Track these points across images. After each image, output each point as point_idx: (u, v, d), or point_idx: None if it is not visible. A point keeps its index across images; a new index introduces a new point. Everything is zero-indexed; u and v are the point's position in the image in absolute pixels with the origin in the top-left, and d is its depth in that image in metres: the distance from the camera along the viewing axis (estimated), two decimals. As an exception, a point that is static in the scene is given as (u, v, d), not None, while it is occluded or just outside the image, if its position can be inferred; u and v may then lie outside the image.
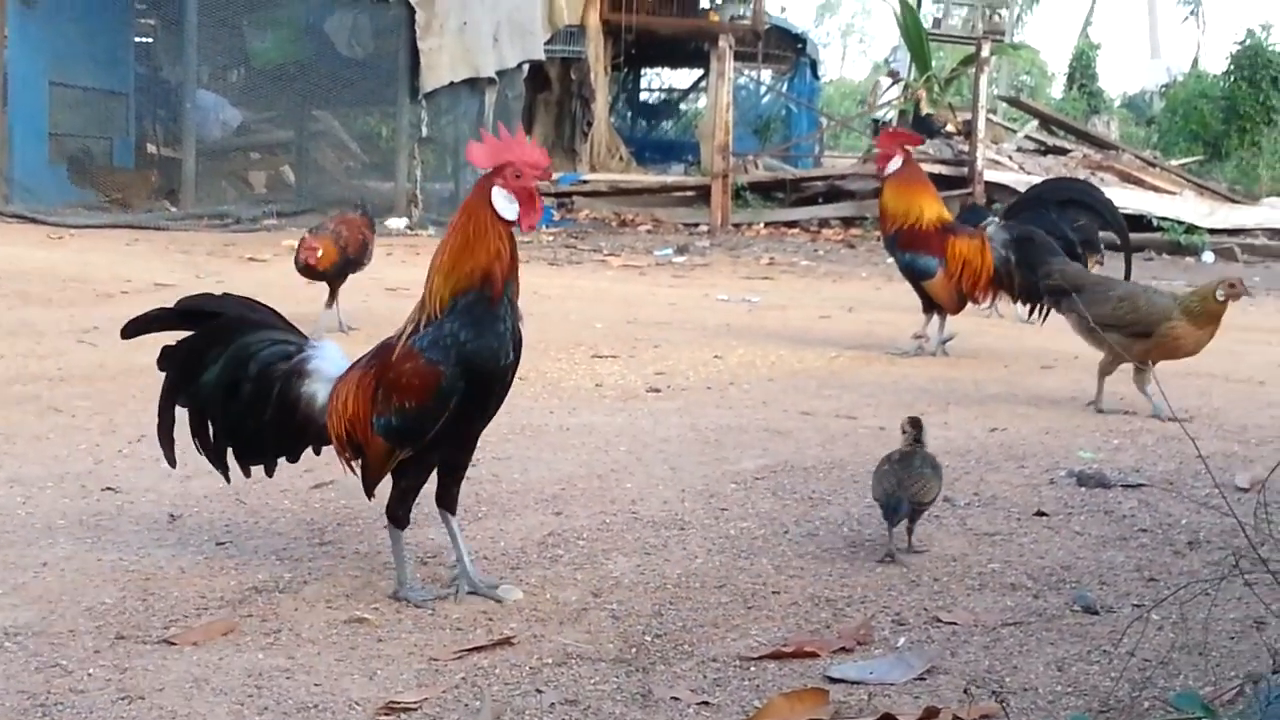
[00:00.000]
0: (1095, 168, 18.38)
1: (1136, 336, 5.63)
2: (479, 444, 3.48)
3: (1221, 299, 5.52)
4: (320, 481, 4.32)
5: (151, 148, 16.56)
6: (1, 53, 14.14)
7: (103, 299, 8.70)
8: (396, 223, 14.91)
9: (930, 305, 7.63)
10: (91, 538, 3.71)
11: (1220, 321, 5.60)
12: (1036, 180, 16.90)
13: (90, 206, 14.74)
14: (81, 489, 4.16)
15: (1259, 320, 9.82)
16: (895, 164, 7.63)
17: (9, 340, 6.93)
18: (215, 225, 14.20)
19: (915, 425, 3.92)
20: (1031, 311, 7.36)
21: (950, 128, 19.32)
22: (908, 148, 7.81)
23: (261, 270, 11.00)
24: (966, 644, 3.08)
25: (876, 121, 21.35)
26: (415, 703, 2.68)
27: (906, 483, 3.70)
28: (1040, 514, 4.18)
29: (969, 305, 7.63)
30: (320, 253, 7.38)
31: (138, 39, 16.89)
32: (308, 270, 7.47)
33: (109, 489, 4.15)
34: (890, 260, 8.15)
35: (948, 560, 3.71)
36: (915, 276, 7.59)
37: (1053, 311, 7.28)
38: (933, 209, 7.58)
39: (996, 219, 7.72)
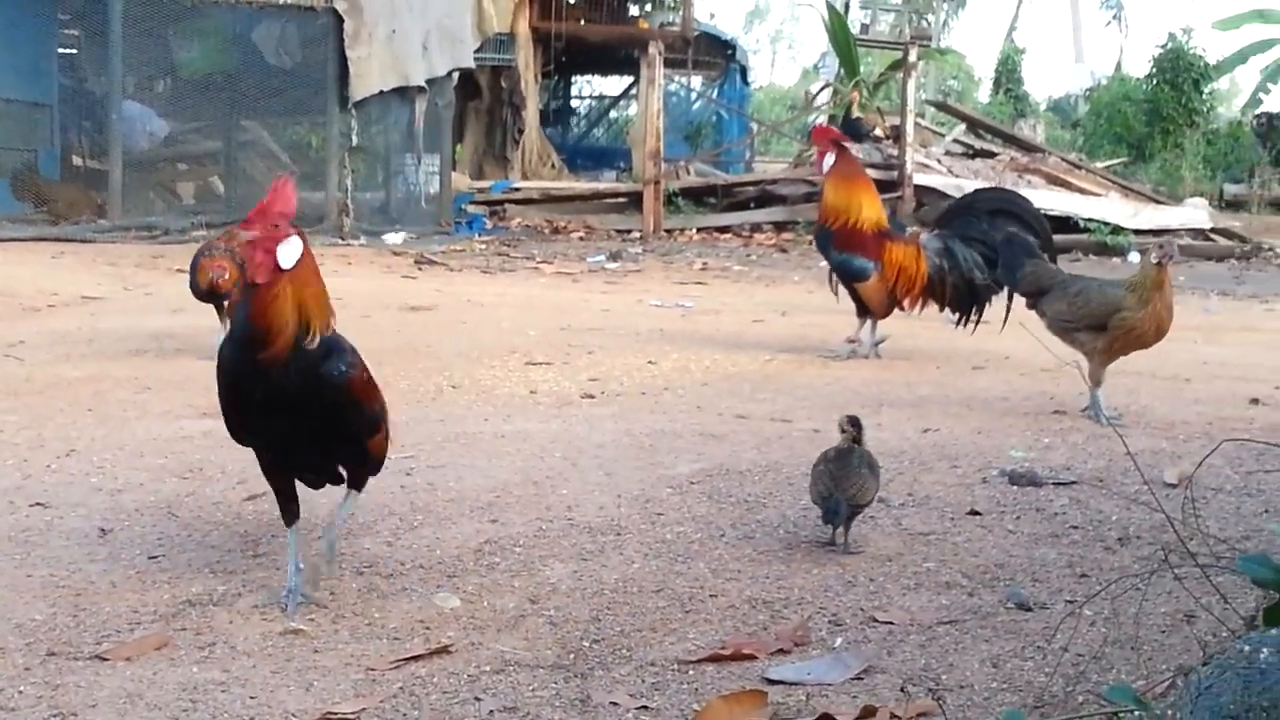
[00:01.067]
0: (1022, 170, 18.59)
1: (1096, 330, 5.66)
2: (415, 451, 3.46)
3: (1155, 261, 5.57)
4: (253, 494, 4.29)
5: (77, 160, 16.36)
6: (-79, 65, 13.93)
7: (29, 312, 8.59)
8: (394, 238, 14.99)
9: (863, 308, 7.67)
10: (20, 554, 3.65)
11: (1166, 290, 5.57)
12: (966, 183, 17.10)
13: (14, 219, 14.53)
14: (10, 504, 4.10)
15: (1185, 319, 9.93)
16: (830, 159, 7.64)
17: (-67, 355, 6.83)
18: (143, 237, 14.05)
19: (855, 425, 3.95)
20: (960, 320, 7.45)
21: (879, 132, 19.46)
22: (841, 143, 7.83)
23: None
24: (903, 643, 3.10)
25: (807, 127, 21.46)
26: (353, 713, 2.66)
27: (843, 484, 3.72)
28: (974, 513, 4.22)
29: (896, 311, 7.68)
30: (227, 274, 6.67)
31: (61, 50, 16.67)
32: (212, 294, 6.74)
33: (38, 504, 4.10)
34: (824, 264, 8.19)
35: (883, 560, 3.73)
36: (848, 277, 7.63)
37: (979, 318, 7.41)
38: (873, 210, 7.61)
39: (924, 229, 7.77)
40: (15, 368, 6.50)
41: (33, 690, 2.74)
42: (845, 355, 7.61)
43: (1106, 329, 5.63)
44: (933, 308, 7.68)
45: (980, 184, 17.24)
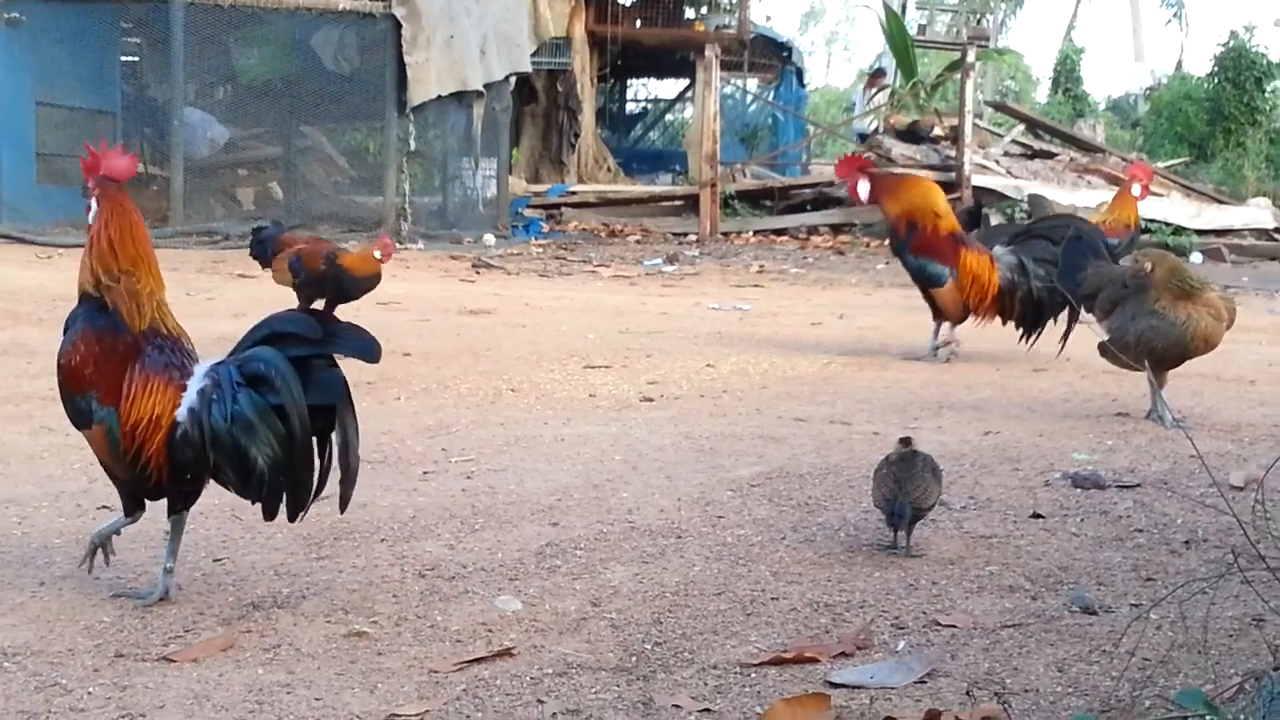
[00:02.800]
0: (1082, 171, 18.45)
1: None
2: (476, 455, 3.47)
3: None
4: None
5: (139, 166, 16.53)
6: (-13, 74, 14.13)
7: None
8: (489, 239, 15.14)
9: (938, 313, 7.66)
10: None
11: (1200, 300, 5.50)
12: (1025, 184, 16.99)
13: (79, 226, 14.66)
14: (77, 507, 4.15)
15: (1249, 320, 9.82)
16: (864, 186, 7.69)
17: (0, 360, 6.92)
18: (204, 242, 14.18)
19: (906, 444, 3.90)
20: (1023, 336, 7.41)
21: (938, 131, 19.37)
22: (867, 169, 7.82)
23: (253, 286, 10.98)
24: (966, 646, 3.08)
25: (862, 135, 21.35)
26: (417, 715, 2.67)
27: (907, 486, 3.71)
28: (1036, 516, 4.19)
29: (969, 321, 7.65)
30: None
31: (124, 58, 16.85)
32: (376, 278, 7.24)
33: (104, 507, 4.14)
34: (881, 266, 8.18)
35: (945, 563, 3.71)
36: (924, 282, 7.63)
37: (1040, 333, 7.31)
38: (943, 208, 7.63)
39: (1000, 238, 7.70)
40: (80, 372, 6.57)
41: (101, 691, 2.77)
42: (944, 358, 7.59)
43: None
44: (996, 321, 7.60)
45: (1039, 185, 17.13)
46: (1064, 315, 7.04)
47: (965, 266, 7.47)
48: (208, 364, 3.30)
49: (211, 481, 3.36)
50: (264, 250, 7.61)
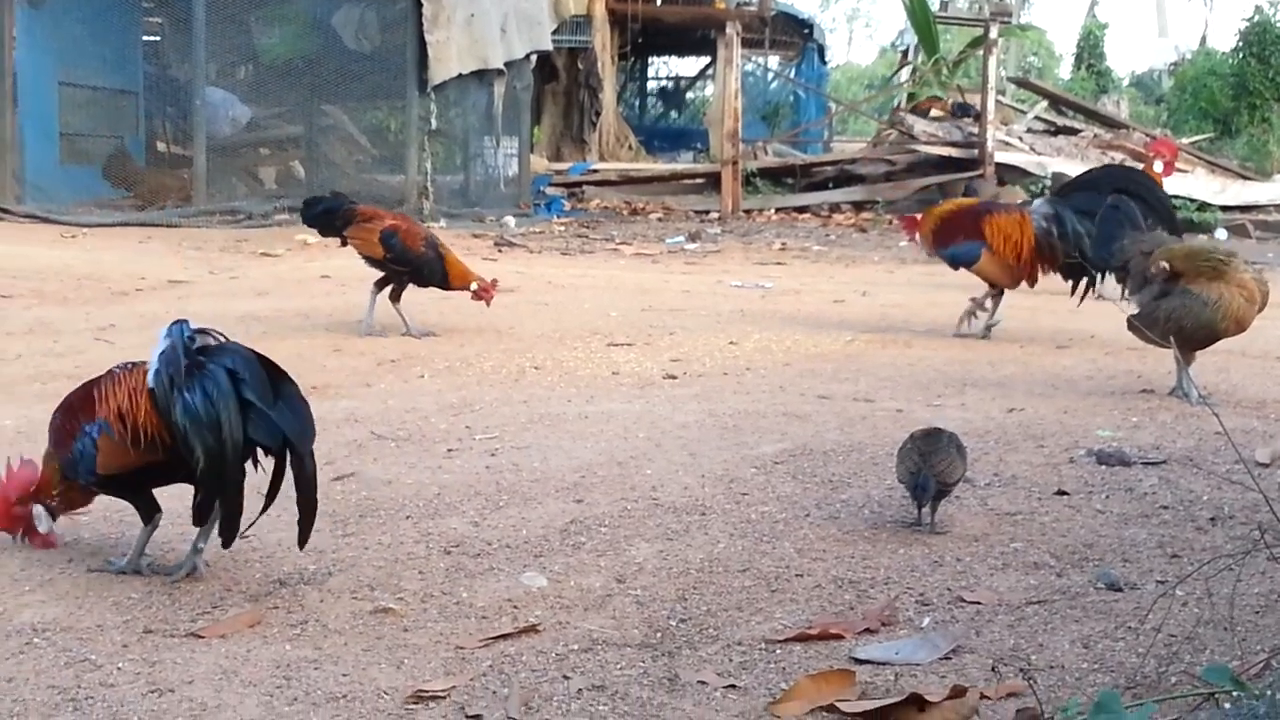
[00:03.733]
0: (1105, 147, 18.35)
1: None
2: (500, 432, 3.48)
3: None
4: (341, 474, 4.34)
5: (161, 145, 16.58)
6: (10, 54, 14.16)
7: (118, 296, 8.73)
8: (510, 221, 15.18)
9: (993, 284, 7.64)
10: (116, 534, 3.72)
11: (1233, 280, 5.49)
12: (1048, 160, 16.91)
13: (102, 205, 14.77)
14: (104, 485, 4.17)
15: (1273, 296, 9.79)
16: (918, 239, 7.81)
17: (27, 339, 6.96)
18: (227, 221, 14.23)
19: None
20: (1074, 288, 7.32)
21: (935, 112, 19.30)
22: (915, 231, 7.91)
23: (274, 264, 11.03)
24: (991, 623, 3.08)
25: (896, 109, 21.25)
26: (443, 691, 2.69)
27: (932, 460, 3.70)
28: (1061, 493, 4.18)
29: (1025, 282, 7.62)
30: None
31: (146, 37, 16.91)
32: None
33: (131, 485, 4.16)
34: (904, 243, 8.18)
35: (970, 540, 3.71)
36: (963, 265, 7.63)
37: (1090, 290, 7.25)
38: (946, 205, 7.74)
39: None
40: (106, 350, 6.60)
41: (131, 666, 2.80)
42: (980, 333, 7.60)
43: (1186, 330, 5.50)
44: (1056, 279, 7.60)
45: (1063, 161, 17.05)
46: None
47: (993, 231, 7.43)
48: (162, 331, 3.40)
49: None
50: (329, 220, 7.61)
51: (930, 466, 3.70)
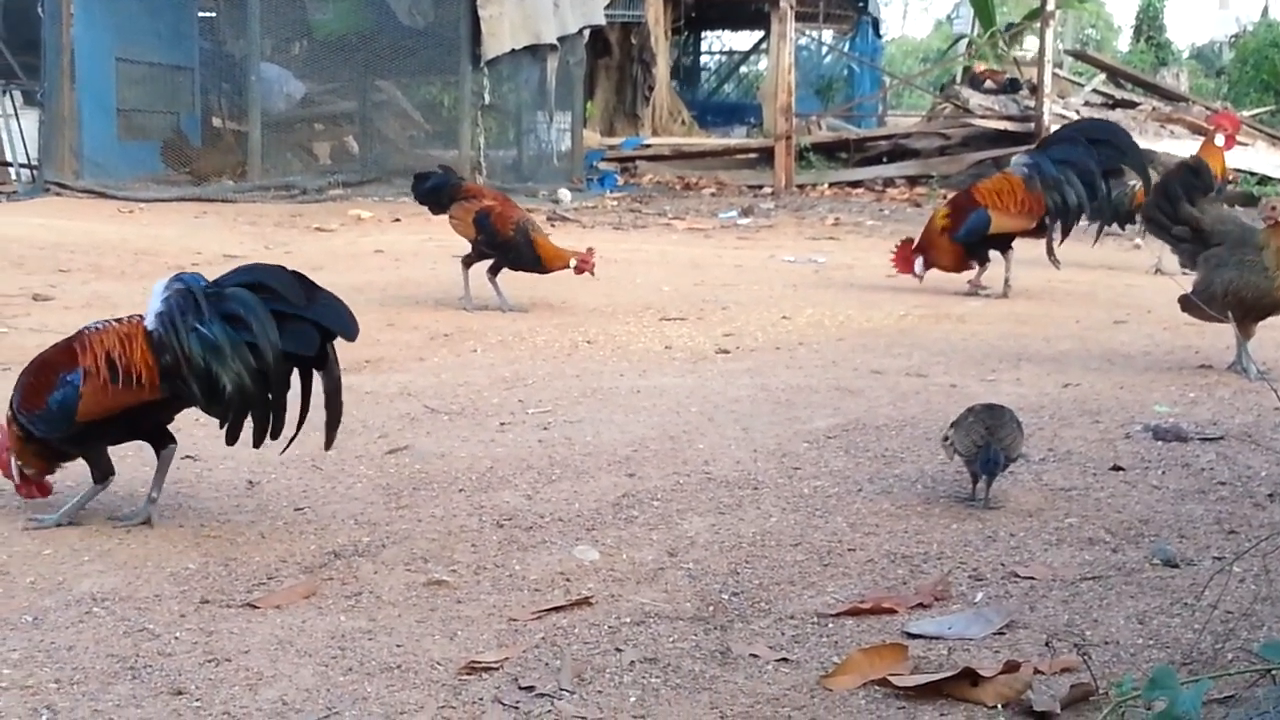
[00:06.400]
0: (1165, 120, 18.13)
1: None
2: (553, 406, 3.49)
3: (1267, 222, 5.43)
4: (395, 447, 4.37)
5: (217, 121, 16.67)
6: (68, 31, 14.26)
7: (174, 271, 8.78)
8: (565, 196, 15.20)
9: (1007, 241, 8.08)
10: (173, 504, 3.76)
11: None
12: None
13: (159, 180, 14.88)
14: (161, 457, 4.21)
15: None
16: (919, 266, 8.19)
17: (84, 313, 7.02)
18: (282, 196, 14.30)
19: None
20: (1065, 234, 8.00)
21: (990, 84, 19.14)
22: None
23: (328, 240, 11.08)
24: (1045, 598, 3.07)
25: (944, 86, 21.07)
26: (496, 662, 2.70)
27: (999, 434, 3.69)
28: (1117, 468, 4.14)
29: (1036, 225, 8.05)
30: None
31: (201, 14, 16.98)
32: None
33: (188, 457, 4.20)
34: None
35: (1024, 515, 3.69)
36: (983, 235, 8.00)
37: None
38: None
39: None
40: (163, 325, 6.66)
41: (188, 636, 2.83)
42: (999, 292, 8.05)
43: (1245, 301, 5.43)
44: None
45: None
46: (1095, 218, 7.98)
47: (984, 192, 8.03)
48: (161, 283, 3.53)
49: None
50: (437, 196, 7.63)
51: (999, 440, 3.68)
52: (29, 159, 15.13)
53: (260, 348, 3.37)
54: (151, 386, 3.45)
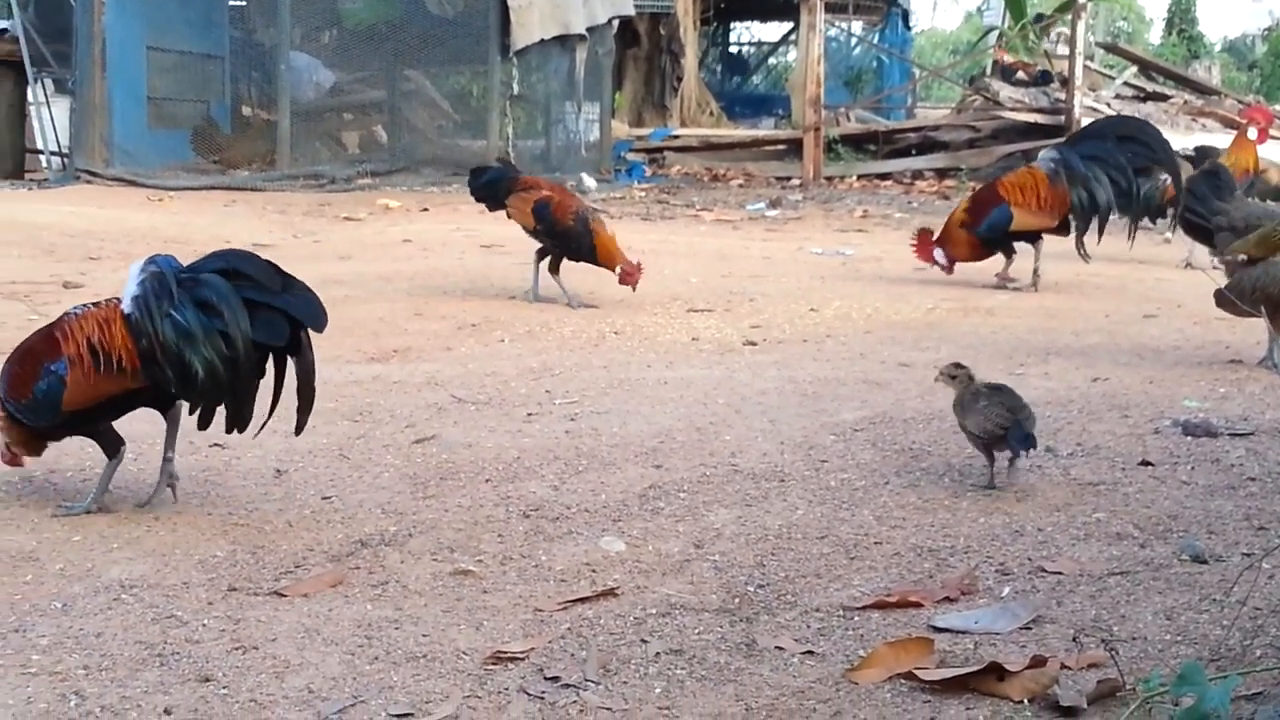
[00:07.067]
0: (1196, 114, 18.03)
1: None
2: (579, 397, 3.49)
3: None
4: (422, 436, 4.38)
5: (246, 110, 16.72)
6: (100, 19, 14.33)
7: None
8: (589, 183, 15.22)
9: (1035, 236, 8.02)
10: (201, 493, 3.78)
11: None
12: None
13: (189, 169, 14.94)
14: (190, 445, 4.22)
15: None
16: (941, 256, 8.16)
17: (114, 301, 7.06)
18: (310, 185, 14.34)
19: (961, 367, 4.00)
20: (1099, 233, 7.81)
21: (1021, 75, 19.04)
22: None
23: (357, 229, 11.11)
24: (1072, 593, 3.06)
25: (975, 78, 20.97)
26: (522, 652, 2.70)
27: (1020, 412, 3.76)
28: (1145, 463, 4.12)
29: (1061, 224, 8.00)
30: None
31: (231, 2, 17.03)
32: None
33: (216, 445, 4.22)
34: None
35: (1051, 510, 3.68)
36: (1003, 230, 7.98)
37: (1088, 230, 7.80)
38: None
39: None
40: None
41: (216, 624, 2.84)
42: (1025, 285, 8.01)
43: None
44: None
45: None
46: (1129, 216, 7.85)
47: (1007, 187, 7.95)
48: (136, 265, 3.58)
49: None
50: (494, 190, 7.63)
51: (1028, 418, 3.74)
52: (60, 147, 15.22)
53: (231, 335, 3.40)
54: (134, 372, 3.48)
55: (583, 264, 7.26)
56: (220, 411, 3.56)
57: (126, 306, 3.49)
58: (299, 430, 3.55)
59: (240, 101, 16.65)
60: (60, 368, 3.49)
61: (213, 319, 3.41)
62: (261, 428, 3.58)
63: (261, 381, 3.55)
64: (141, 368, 3.47)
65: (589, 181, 15.34)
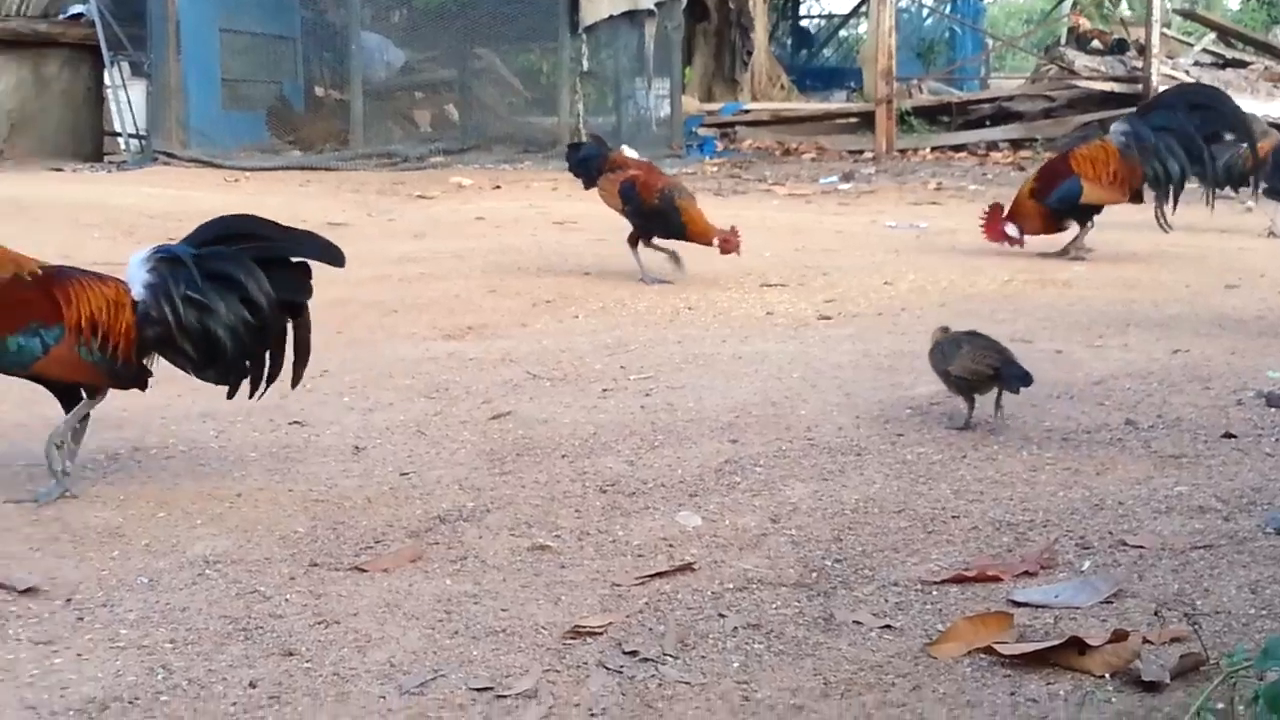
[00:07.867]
0: (1277, 80, 17.71)
1: None
2: (654, 372, 3.49)
3: None
4: (498, 413, 4.40)
5: (319, 90, 16.86)
6: (173, 2, 14.50)
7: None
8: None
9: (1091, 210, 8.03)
10: (282, 469, 3.82)
11: None
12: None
13: (263, 149, 15.09)
14: (270, 422, 4.28)
15: None
16: (1012, 230, 8.09)
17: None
18: (384, 164, 14.44)
19: (944, 331, 4.25)
20: (1174, 202, 7.77)
21: (1097, 44, 18.80)
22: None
23: (430, 207, 11.18)
24: (1154, 567, 3.02)
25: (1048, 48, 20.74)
26: (600, 627, 2.71)
27: (1006, 352, 4.03)
28: (1228, 435, 4.07)
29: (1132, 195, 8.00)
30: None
31: (303, -17, 17.18)
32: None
33: (296, 422, 4.27)
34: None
35: (1132, 483, 3.64)
36: (1074, 202, 7.95)
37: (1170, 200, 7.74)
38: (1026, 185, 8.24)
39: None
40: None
41: (298, 599, 2.87)
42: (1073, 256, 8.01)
43: None
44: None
45: (1232, 96, 16.49)
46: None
47: (1079, 160, 7.90)
48: (142, 254, 3.54)
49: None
50: (587, 168, 7.64)
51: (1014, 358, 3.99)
52: (137, 129, 15.41)
53: (254, 300, 3.44)
54: (125, 360, 3.48)
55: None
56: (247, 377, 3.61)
57: (138, 293, 3.47)
58: (294, 384, 3.65)
59: (313, 82, 16.79)
60: (52, 336, 3.42)
61: (233, 289, 3.44)
62: (269, 386, 3.63)
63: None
64: (138, 357, 3.48)
65: (630, 153, 15.31)
